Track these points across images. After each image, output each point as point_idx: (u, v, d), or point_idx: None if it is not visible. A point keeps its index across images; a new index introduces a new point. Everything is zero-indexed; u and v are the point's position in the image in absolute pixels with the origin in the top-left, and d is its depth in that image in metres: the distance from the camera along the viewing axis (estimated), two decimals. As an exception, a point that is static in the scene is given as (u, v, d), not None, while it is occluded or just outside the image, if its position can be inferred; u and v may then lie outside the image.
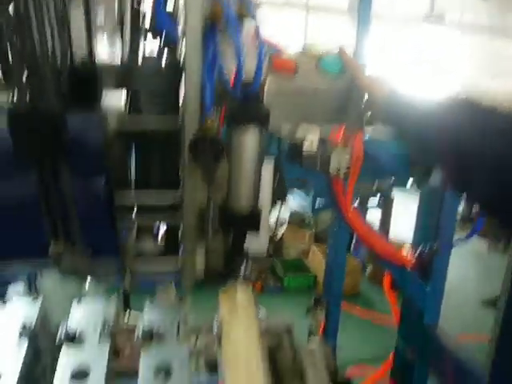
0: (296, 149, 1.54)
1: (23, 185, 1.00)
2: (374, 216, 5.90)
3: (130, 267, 1.10)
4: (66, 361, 1.28)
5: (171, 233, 1.22)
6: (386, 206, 6.70)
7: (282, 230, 6.88)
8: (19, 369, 1.26)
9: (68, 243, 1.03)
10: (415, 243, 1.99)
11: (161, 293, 1.48)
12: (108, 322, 1.36)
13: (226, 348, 1.32)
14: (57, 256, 1.02)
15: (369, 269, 6.30)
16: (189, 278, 1.10)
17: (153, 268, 1.23)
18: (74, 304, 1.51)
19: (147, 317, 1.43)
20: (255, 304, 1.48)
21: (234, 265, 1.17)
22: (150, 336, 1.34)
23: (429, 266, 1.90)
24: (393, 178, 1.78)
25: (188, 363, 1.29)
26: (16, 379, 1.23)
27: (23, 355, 1.30)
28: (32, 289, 1.53)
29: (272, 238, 6.62)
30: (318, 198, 2.09)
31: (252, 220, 1.09)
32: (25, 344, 1.32)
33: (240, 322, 1.40)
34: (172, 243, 1.23)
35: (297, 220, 7.74)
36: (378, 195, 2.32)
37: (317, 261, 6.03)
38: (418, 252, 1.90)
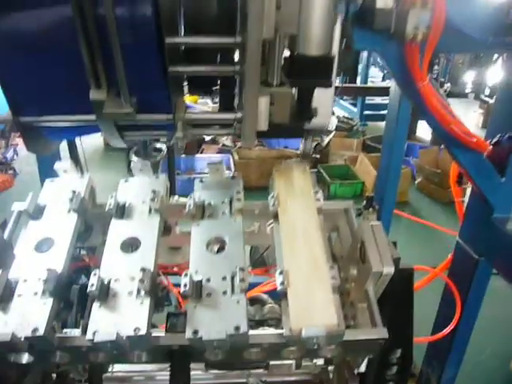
0: (368, 6, 1.30)
1: (61, 20, 0.86)
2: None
3: (182, 124, 0.97)
4: (116, 232, 1.22)
5: (225, 88, 1.08)
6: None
7: (329, 138, 6.68)
8: (71, 237, 1.22)
9: (112, 91, 0.91)
10: (491, 132, 1.76)
11: (212, 171, 1.35)
12: (157, 196, 1.26)
13: (282, 223, 1.20)
14: (98, 103, 0.90)
15: (419, 178, 6.06)
16: (250, 130, 0.97)
17: (206, 128, 1.11)
18: (122, 182, 1.43)
19: (198, 194, 1.33)
20: (312, 183, 1.35)
21: (300, 120, 1.02)
22: (201, 211, 1.26)
23: (506, 156, 1.69)
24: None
25: (241, 236, 1.20)
26: (68, 246, 1.19)
27: (74, 225, 1.25)
28: (78, 166, 1.41)
29: (318, 145, 6.44)
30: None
31: (324, 68, 0.91)
32: (75, 215, 1.27)
33: (297, 198, 1.27)
34: (227, 99, 1.09)
35: (345, 128, 7.49)
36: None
37: (364, 169, 5.85)
38: (494, 140, 1.68)
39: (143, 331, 0.96)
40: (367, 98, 8.50)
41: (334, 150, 6.51)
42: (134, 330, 0.96)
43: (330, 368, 1.67)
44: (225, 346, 1.00)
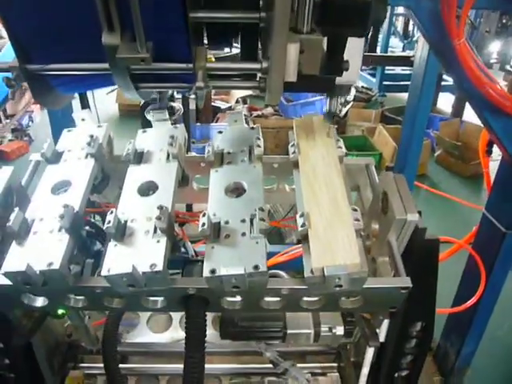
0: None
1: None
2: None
3: (203, 73, 0.89)
4: (133, 177, 1.20)
5: (248, 37, 1.00)
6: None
7: (347, 108, 6.50)
8: (87, 179, 1.19)
9: (126, 35, 0.83)
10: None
11: (231, 122, 1.31)
12: (175, 142, 1.21)
13: (303, 169, 1.18)
14: (111, 48, 0.83)
15: (438, 151, 5.90)
16: (277, 81, 0.89)
17: (228, 80, 1.04)
18: (140, 132, 1.37)
19: (217, 143, 1.29)
20: (334, 136, 1.30)
21: (331, 71, 0.94)
22: (220, 158, 1.24)
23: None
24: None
25: (261, 181, 1.17)
26: (84, 187, 1.16)
27: (91, 168, 1.22)
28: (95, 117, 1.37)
29: (336, 116, 6.28)
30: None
31: (359, 15, 0.83)
32: (92, 160, 1.24)
33: (318, 147, 1.24)
34: (250, 49, 1.01)
35: (363, 98, 7.30)
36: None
37: (382, 141, 5.70)
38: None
39: (160, 267, 0.94)
40: (386, 68, 8.24)
41: (351, 120, 6.36)
42: (151, 266, 0.94)
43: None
44: (243, 284, 0.96)
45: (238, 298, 1.08)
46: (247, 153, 1.26)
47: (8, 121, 6.44)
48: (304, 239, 1.03)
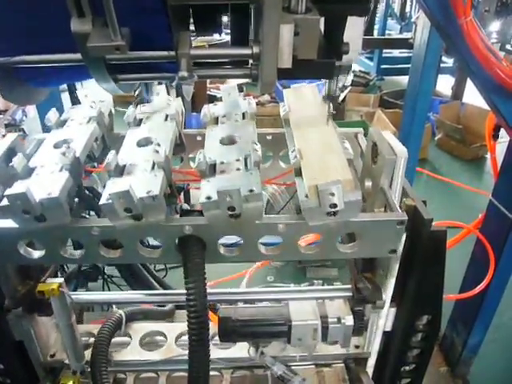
0: None
1: None
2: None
3: (187, 61, 0.81)
4: (132, 136, 1.26)
5: (237, 19, 0.91)
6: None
7: (345, 93, 6.40)
8: (88, 136, 1.25)
9: (98, 21, 0.75)
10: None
11: (224, 95, 1.37)
12: (172, 104, 1.37)
13: (293, 120, 1.25)
14: (82, 36, 0.74)
15: (439, 134, 5.81)
16: (270, 68, 0.81)
17: (216, 68, 0.97)
18: (140, 106, 1.43)
19: (212, 109, 1.37)
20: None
21: (330, 55, 0.86)
22: (215, 121, 1.32)
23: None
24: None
25: (255, 135, 1.24)
26: (82, 146, 1.19)
27: (93, 128, 1.29)
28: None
29: (333, 101, 6.18)
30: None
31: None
32: (94, 123, 1.31)
33: (308, 106, 1.32)
34: (240, 33, 0.93)
35: (361, 83, 7.18)
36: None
37: (382, 126, 5.60)
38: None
39: (156, 193, 0.96)
40: (384, 51, 8.10)
41: (349, 106, 6.25)
42: (147, 192, 0.95)
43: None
44: (239, 205, 0.97)
45: (236, 239, 1.09)
46: (241, 115, 1.32)
47: (1, 116, 6.33)
48: (297, 174, 1.06)
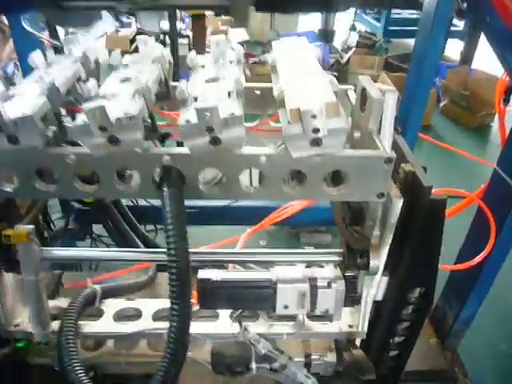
0: None
1: None
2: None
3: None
4: (115, 75, 1.22)
5: None
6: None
7: (349, 55, 6.17)
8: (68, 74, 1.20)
9: None
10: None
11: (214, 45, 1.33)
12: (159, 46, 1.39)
13: (279, 63, 1.25)
14: None
15: (444, 100, 5.63)
16: None
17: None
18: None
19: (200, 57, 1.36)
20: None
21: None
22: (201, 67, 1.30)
23: None
24: None
25: (239, 75, 1.21)
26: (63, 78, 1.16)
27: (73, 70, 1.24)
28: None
29: (337, 62, 5.97)
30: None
31: None
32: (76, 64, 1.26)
33: (295, 52, 1.32)
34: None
35: (366, 44, 6.92)
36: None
37: (386, 89, 5.41)
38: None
39: (133, 113, 0.94)
40: (393, 11, 7.75)
41: (353, 68, 6.03)
42: (125, 113, 0.93)
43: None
44: (218, 126, 0.95)
45: (215, 174, 1.07)
46: (228, 62, 1.29)
47: (-8, 68, 6.12)
48: (281, 105, 1.02)
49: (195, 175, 1.06)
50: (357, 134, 1.24)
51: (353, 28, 8.41)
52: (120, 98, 1.04)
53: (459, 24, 7.58)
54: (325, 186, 1.09)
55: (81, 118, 0.95)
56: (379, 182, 1.08)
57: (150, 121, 1.14)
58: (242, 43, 6.80)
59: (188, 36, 5.60)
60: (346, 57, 6.02)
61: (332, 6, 0.97)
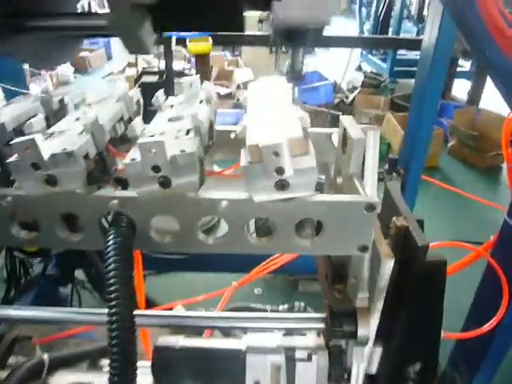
0: None
1: None
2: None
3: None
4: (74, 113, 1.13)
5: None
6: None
7: (354, 94, 6.12)
8: None
9: None
10: None
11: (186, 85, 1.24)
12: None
13: (250, 101, 1.10)
14: None
15: (452, 141, 5.48)
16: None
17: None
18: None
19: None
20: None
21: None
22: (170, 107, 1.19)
23: None
24: None
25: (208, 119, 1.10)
26: None
27: None
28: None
29: (342, 101, 5.91)
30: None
31: None
32: None
33: (270, 92, 1.15)
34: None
35: (372, 84, 6.88)
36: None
37: (391, 129, 5.31)
38: None
39: (72, 149, 0.85)
40: (398, 53, 7.78)
41: (358, 107, 5.96)
42: (63, 149, 0.85)
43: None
44: (164, 163, 0.84)
45: (171, 224, 0.93)
46: (198, 101, 1.18)
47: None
48: (243, 144, 0.89)
49: (146, 223, 0.93)
50: (339, 180, 1.09)
51: (359, 68, 8.45)
52: (65, 135, 0.95)
53: (466, 64, 7.56)
54: (295, 236, 0.94)
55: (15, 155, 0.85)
56: (360, 233, 0.93)
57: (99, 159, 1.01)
58: (246, 83, 6.82)
59: (192, 75, 5.61)
60: (351, 96, 5.96)
61: (299, 41, 0.83)
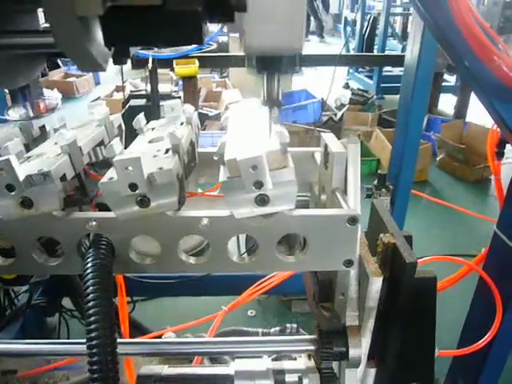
0: None
1: None
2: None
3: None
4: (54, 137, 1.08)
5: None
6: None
7: (342, 111, 6.16)
8: None
9: None
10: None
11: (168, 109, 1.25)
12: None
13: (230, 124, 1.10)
14: None
15: (440, 155, 5.51)
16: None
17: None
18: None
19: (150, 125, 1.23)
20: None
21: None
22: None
23: None
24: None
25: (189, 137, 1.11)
26: None
27: None
28: None
29: (331, 119, 5.93)
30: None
31: None
32: None
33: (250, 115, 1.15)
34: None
35: (359, 101, 6.94)
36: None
37: (380, 145, 5.33)
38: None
39: (47, 170, 0.82)
40: (384, 69, 7.90)
41: (347, 124, 6.00)
42: (38, 170, 0.82)
43: None
44: (141, 181, 0.81)
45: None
46: (179, 123, 1.17)
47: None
48: (222, 162, 0.87)
49: (126, 244, 0.90)
50: (323, 197, 1.07)
51: (346, 86, 8.54)
52: (42, 158, 0.92)
53: (451, 79, 7.67)
54: (278, 253, 0.92)
55: None
56: (344, 247, 0.90)
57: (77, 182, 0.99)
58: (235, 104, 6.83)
59: (180, 97, 5.61)
60: (339, 114, 6.00)
61: (274, 69, 0.82)
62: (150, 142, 1.07)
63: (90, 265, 0.82)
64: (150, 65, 3.33)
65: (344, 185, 0.96)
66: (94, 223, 0.86)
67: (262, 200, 0.83)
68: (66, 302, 2.61)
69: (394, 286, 0.97)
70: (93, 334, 0.78)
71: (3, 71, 0.94)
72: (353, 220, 0.86)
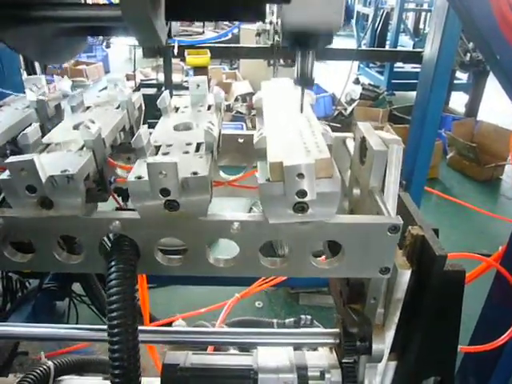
0: None
1: None
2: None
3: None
4: (70, 119, 1.10)
5: None
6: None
7: (352, 106, 6.14)
8: None
9: None
10: None
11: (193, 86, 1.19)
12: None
13: (266, 108, 1.04)
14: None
15: (451, 153, 5.49)
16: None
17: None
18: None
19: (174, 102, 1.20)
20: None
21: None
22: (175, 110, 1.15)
23: None
24: None
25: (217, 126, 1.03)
26: None
27: None
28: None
29: (340, 113, 5.92)
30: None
31: None
32: None
33: (284, 96, 1.12)
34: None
35: (369, 97, 6.90)
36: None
37: (390, 141, 5.31)
38: None
39: (73, 172, 0.78)
40: (395, 65, 7.84)
41: (357, 120, 5.97)
42: (62, 171, 0.77)
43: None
44: (174, 187, 0.76)
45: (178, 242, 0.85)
46: (206, 107, 1.13)
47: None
48: (261, 156, 0.83)
49: (151, 245, 0.85)
50: (356, 191, 1.05)
51: (356, 81, 8.50)
52: (62, 149, 0.89)
53: (463, 77, 7.62)
54: (312, 259, 0.87)
55: (6, 172, 0.76)
56: (383, 255, 0.86)
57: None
58: (244, 95, 6.81)
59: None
60: (349, 109, 5.97)
61: (308, 46, 0.80)
62: (175, 128, 1.04)
63: (113, 270, 0.79)
64: (175, 51, 3.29)
65: (381, 184, 0.91)
66: (117, 223, 0.82)
67: (301, 208, 0.77)
68: (76, 287, 2.62)
69: (422, 279, 0.96)
70: (116, 338, 0.76)
71: (49, 46, 0.91)
72: (394, 228, 0.82)
